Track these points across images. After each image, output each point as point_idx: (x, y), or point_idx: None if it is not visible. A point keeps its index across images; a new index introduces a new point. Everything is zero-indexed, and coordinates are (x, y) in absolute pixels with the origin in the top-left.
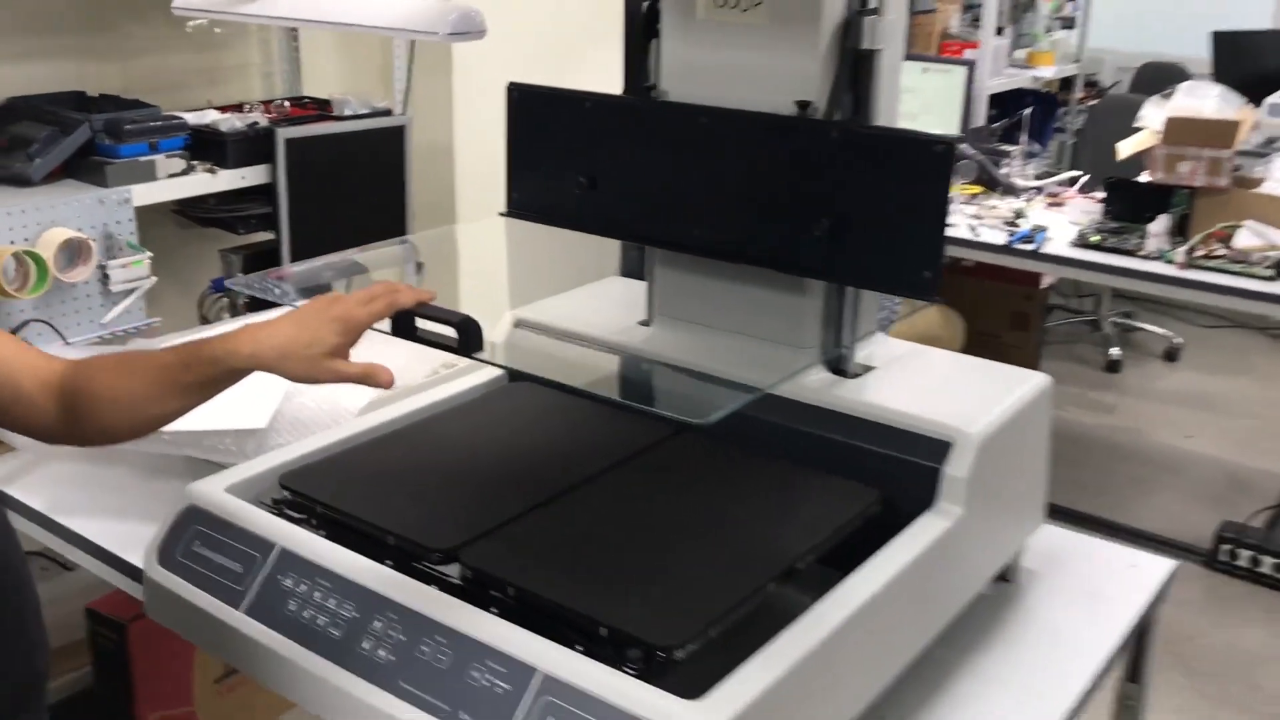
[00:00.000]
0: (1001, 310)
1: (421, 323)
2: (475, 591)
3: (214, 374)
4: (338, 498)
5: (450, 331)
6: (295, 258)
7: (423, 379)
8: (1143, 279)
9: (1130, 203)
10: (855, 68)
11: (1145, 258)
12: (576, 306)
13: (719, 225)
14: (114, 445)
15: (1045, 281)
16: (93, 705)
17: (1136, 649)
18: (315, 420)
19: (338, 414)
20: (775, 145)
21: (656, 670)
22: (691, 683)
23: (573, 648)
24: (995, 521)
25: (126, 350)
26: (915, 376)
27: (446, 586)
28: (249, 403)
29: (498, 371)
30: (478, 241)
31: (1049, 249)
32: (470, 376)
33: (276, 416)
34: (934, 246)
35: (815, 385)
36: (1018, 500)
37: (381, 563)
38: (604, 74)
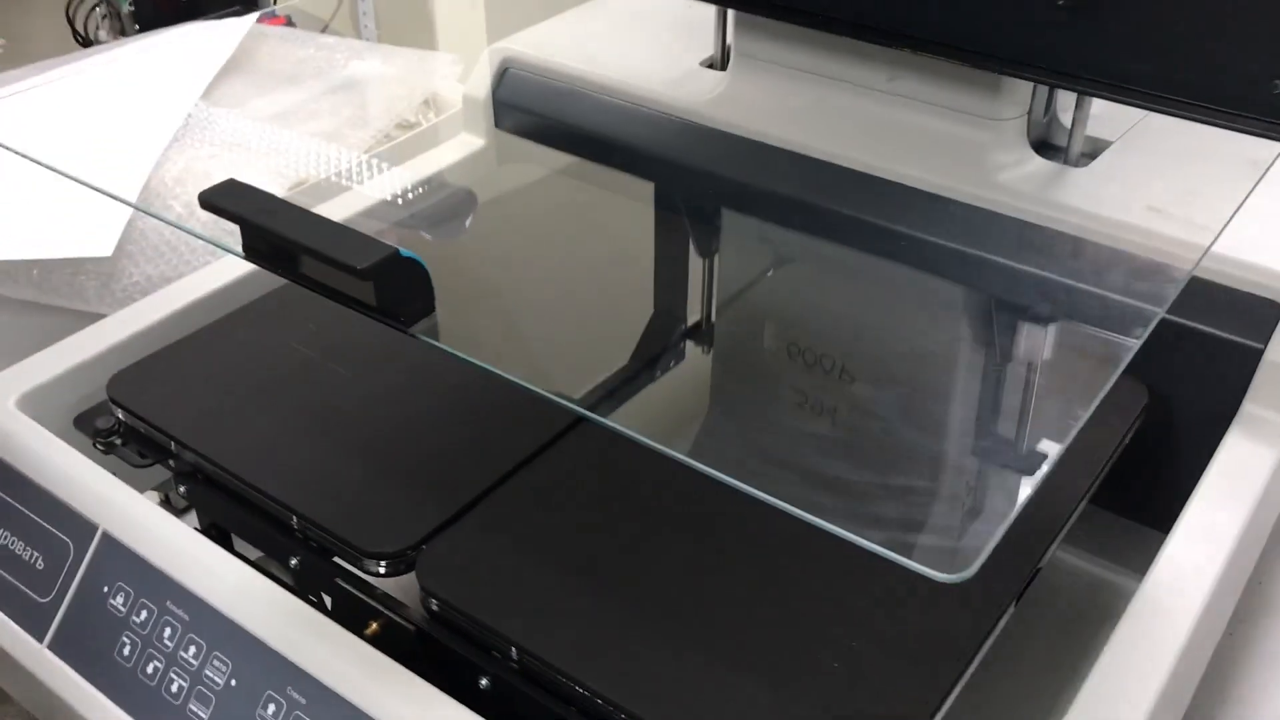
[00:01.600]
0: None
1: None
2: (446, 647)
3: None
4: (201, 430)
5: None
6: None
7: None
8: None
9: None
10: None
11: None
12: (598, 34)
13: None
14: None
15: None
16: None
17: None
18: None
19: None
20: None
21: None
22: None
23: None
24: None
25: None
26: (1182, 162)
27: (397, 635)
28: (89, 213)
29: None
30: None
31: None
32: (437, 152)
33: (130, 236)
34: None
35: (1017, 180)
36: None
37: (285, 564)
38: None
